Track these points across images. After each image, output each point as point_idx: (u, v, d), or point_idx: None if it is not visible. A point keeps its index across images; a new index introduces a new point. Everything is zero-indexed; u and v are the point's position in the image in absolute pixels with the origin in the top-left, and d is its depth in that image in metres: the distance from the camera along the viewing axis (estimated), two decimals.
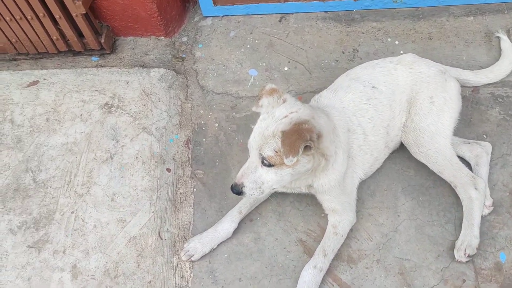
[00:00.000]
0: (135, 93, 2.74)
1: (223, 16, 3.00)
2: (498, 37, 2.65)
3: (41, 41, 2.81)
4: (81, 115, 2.70)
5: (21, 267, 2.30)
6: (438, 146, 2.21)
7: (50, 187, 2.51)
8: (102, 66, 2.89)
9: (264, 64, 2.80)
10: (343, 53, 2.78)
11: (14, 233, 2.40)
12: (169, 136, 2.61)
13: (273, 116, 1.89)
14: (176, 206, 2.41)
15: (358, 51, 2.77)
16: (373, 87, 2.25)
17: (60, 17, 2.63)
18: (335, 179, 2.08)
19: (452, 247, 2.16)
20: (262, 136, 1.88)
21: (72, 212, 2.42)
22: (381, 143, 2.26)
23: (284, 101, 1.95)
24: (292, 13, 2.95)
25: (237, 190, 1.93)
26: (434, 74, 2.28)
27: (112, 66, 2.87)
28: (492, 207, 2.21)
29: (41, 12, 2.61)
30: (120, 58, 2.93)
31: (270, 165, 1.88)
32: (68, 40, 2.82)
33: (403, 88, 2.27)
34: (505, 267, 2.10)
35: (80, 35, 2.81)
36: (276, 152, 1.84)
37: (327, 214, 2.23)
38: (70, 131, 2.66)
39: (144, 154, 2.55)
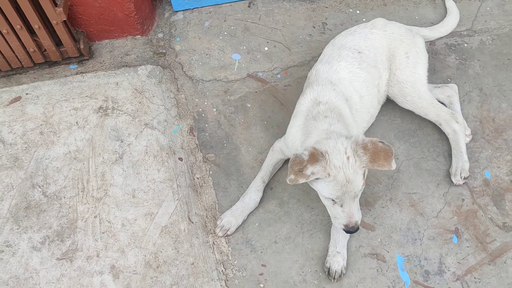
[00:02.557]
0: (127, 93, 2.76)
1: (194, 8, 3.10)
2: None
3: (16, 56, 2.71)
4: (76, 122, 2.67)
5: (56, 280, 2.26)
6: (419, 93, 2.53)
7: (64, 197, 2.46)
8: (84, 73, 2.86)
9: (245, 48, 2.96)
10: (314, 27, 3.02)
11: (38, 249, 2.34)
12: (172, 128, 2.68)
13: (345, 167, 1.95)
14: (197, 191, 2.50)
15: (327, 24, 3.03)
16: (359, 52, 2.50)
17: (39, 27, 2.57)
18: None
19: (447, 175, 2.50)
20: (350, 184, 1.96)
21: (95, 217, 2.41)
22: (375, 101, 2.52)
23: (329, 157, 1.96)
24: None
25: (356, 228, 2.06)
26: (404, 33, 2.60)
27: (95, 70, 2.85)
28: (471, 136, 2.59)
29: (18, 24, 2.53)
30: (100, 63, 2.91)
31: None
32: (45, 50, 2.75)
33: (382, 49, 2.55)
34: (491, 182, 2.48)
35: (57, 44, 2.75)
36: (364, 174, 2.00)
37: None
38: (69, 140, 2.61)
39: (153, 148, 2.59)
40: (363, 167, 1.94)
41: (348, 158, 1.94)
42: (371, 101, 2.48)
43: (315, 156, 1.95)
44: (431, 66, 2.79)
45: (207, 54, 2.94)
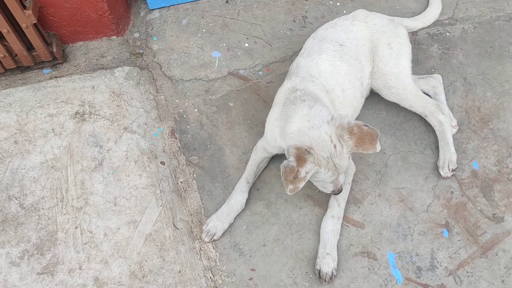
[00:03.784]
0: (104, 96, 2.61)
1: (170, 6, 2.95)
2: None
3: None
4: (52, 129, 2.51)
5: None
6: (404, 85, 2.44)
7: (42, 208, 2.31)
8: (58, 77, 2.69)
9: (224, 45, 2.82)
10: (294, 21, 2.90)
11: (17, 264, 2.19)
12: (152, 131, 2.54)
13: (333, 156, 1.96)
14: (181, 195, 2.38)
15: (307, 17, 2.91)
16: (340, 45, 2.39)
17: (8, 32, 2.39)
18: None
19: (435, 168, 2.42)
20: (339, 167, 2.00)
21: (76, 227, 2.27)
22: (358, 94, 2.42)
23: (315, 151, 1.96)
24: None
25: (340, 191, 2.14)
26: (386, 24, 2.50)
27: (70, 74, 2.69)
28: (457, 126, 2.51)
29: None
30: (75, 66, 2.75)
31: None
32: (16, 55, 2.58)
33: (364, 41, 2.44)
34: (479, 173, 2.41)
35: (29, 48, 2.58)
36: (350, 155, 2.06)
37: None
38: (45, 148, 2.46)
39: (133, 153, 2.46)
40: (349, 151, 1.95)
41: (335, 146, 1.94)
42: (354, 94, 2.38)
43: (302, 157, 1.92)
44: (414, 57, 2.70)
45: (186, 53, 2.80)
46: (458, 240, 2.23)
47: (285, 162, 1.94)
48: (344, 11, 2.90)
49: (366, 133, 1.94)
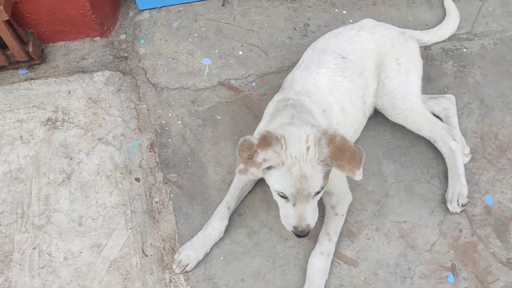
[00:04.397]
0: (80, 102, 2.36)
1: (161, 7, 2.70)
2: None
3: None
4: (21, 136, 2.27)
5: None
6: (412, 105, 2.15)
7: (0, 225, 2.07)
8: (34, 79, 2.46)
9: (216, 52, 2.56)
10: (295, 29, 2.62)
11: None
12: (129, 143, 2.28)
13: (302, 159, 1.62)
14: (154, 217, 2.11)
15: (309, 25, 2.63)
16: (343, 57, 2.11)
17: None
18: None
19: (442, 200, 2.11)
20: (305, 180, 1.62)
21: (34, 248, 2.02)
22: (359, 113, 2.14)
23: (286, 142, 1.63)
24: None
25: (306, 233, 1.74)
26: (396, 36, 2.22)
27: (46, 77, 2.45)
28: (470, 155, 2.20)
29: None
30: (53, 68, 2.51)
31: (319, 192, 1.70)
32: None
33: (370, 53, 2.16)
34: (493, 209, 2.09)
35: (2, 46, 2.35)
36: (325, 175, 1.67)
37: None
38: (11, 157, 2.22)
39: (106, 167, 2.20)
40: (321, 160, 1.60)
41: (308, 148, 1.61)
42: (355, 114, 2.10)
43: (267, 139, 1.60)
44: (426, 74, 2.40)
45: (174, 59, 2.54)
46: (465, 287, 1.92)
47: (247, 136, 1.63)
48: (351, 20, 2.61)
49: (348, 148, 1.59)
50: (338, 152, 1.59)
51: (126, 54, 2.56)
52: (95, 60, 2.53)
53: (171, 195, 2.17)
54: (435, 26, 2.55)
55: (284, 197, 1.70)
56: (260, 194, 2.16)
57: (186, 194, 2.17)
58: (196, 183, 2.19)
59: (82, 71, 2.47)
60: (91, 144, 2.25)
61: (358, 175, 1.59)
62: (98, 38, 2.58)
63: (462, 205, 2.05)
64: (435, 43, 2.51)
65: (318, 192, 1.69)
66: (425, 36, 2.46)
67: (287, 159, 1.60)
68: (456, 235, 2.04)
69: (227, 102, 2.40)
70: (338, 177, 2.01)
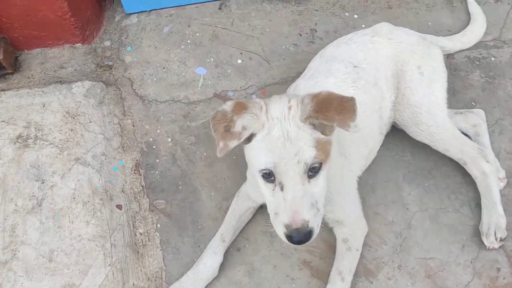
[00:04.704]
0: (56, 117, 2.11)
1: (151, 10, 2.47)
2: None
3: None
4: None
5: None
6: (437, 120, 1.90)
7: None
8: (5, 90, 2.21)
9: (212, 60, 2.31)
10: (301, 35, 2.38)
11: None
12: (111, 164, 2.03)
13: (284, 118, 1.38)
14: (138, 251, 1.84)
15: (316, 31, 2.39)
16: (355, 66, 1.88)
17: None
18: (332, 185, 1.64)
19: (475, 233, 1.85)
20: (290, 142, 1.35)
21: None
22: (375, 130, 1.90)
23: (266, 105, 1.41)
24: None
25: (304, 234, 1.35)
26: (416, 42, 1.98)
27: (18, 88, 2.21)
28: (506, 179, 1.94)
29: None
30: (28, 77, 2.26)
31: (316, 171, 1.40)
32: None
33: (386, 62, 1.94)
34: None
35: None
36: (318, 144, 1.37)
37: (331, 228, 1.79)
38: None
39: (83, 192, 1.94)
40: (306, 118, 1.36)
41: (290, 107, 1.38)
42: (370, 130, 1.88)
43: (242, 104, 1.39)
44: (450, 86, 2.14)
45: (164, 68, 2.30)
46: None
47: (220, 107, 1.42)
48: (363, 25, 2.38)
49: (334, 98, 1.37)
50: (323, 103, 1.35)
51: (110, 63, 2.32)
52: (75, 69, 2.28)
53: (158, 225, 1.90)
54: (457, 32, 2.32)
55: (269, 177, 1.38)
56: (261, 223, 1.90)
57: (175, 224, 1.91)
58: (187, 211, 1.93)
59: (60, 82, 2.23)
60: (66, 165, 2.00)
61: (354, 127, 1.33)
62: (79, 44, 2.34)
63: (501, 240, 1.79)
64: (459, 51, 2.27)
65: (313, 169, 1.38)
66: (449, 43, 2.21)
67: (268, 121, 1.37)
68: (494, 275, 1.77)
69: None
70: (349, 201, 1.76)
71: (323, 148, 1.39)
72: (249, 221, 1.88)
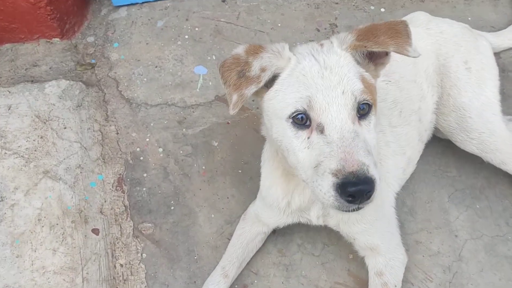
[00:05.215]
0: (24, 122, 1.81)
1: (143, 3, 2.20)
2: None
3: None
4: None
5: None
6: (491, 127, 1.61)
7: None
8: None
9: (214, 58, 2.03)
10: (318, 30, 2.10)
11: None
12: (88, 179, 1.71)
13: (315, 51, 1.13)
14: None
15: (336, 26, 2.11)
16: None
17: None
18: None
19: None
20: (330, 71, 1.08)
21: None
22: (414, 136, 1.60)
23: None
24: None
25: (365, 179, 0.98)
26: (460, 32, 1.71)
27: None
28: None
29: None
30: None
31: (366, 113, 1.10)
32: None
33: (425, 55, 1.64)
34: None
35: None
36: (363, 82, 1.11)
37: (362, 257, 1.46)
38: None
39: (50, 212, 1.62)
40: (347, 47, 1.14)
41: (321, 45, 1.17)
42: (408, 135, 1.60)
43: (257, 46, 1.15)
44: (499, 89, 1.84)
45: (157, 66, 2.01)
46: None
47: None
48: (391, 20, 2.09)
49: (381, 24, 1.15)
50: (368, 31, 1.13)
51: (93, 61, 2.03)
52: (50, 68, 1.99)
53: (144, 255, 1.57)
54: (502, 28, 2.07)
55: (303, 122, 1.07)
56: (273, 254, 1.57)
57: (165, 254, 1.58)
58: (181, 237, 1.61)
59: (31, 81, 1.93)
60: (32, 179, 1.68)
61: (413, 52, 1.10)
62: (57, 39, 2.06)
63: None
64: (506, 49, 1.98)
65: (362, 109, 1.08)
66: (495, 39, 1.95)
67: (293, 56, 1.14)
68: None
69: (228, 123, 1.85)
70: (385, 222, 1.45)
71: (369, 91, 1.11)
72: (258, 250, 1.56)
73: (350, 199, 0.99)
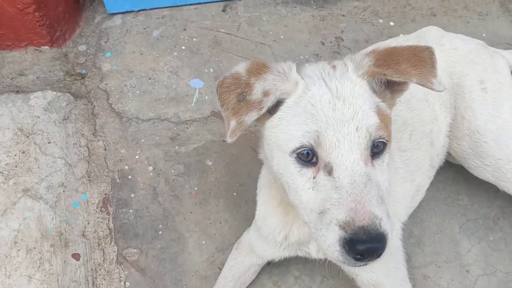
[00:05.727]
0: (5, 135, 1.74)
1: (139, 11, 2.14)
2: None
3: None
4: None
5: None
6: (509, 153, 1.53)
7: None
8: None
9: (211, 70, 1.96)
10: (323, 44, 2.04)
11: None
12: (71, 198, 1.64)
13: (327, 75, 1.04)
14: None
15: (342, 40, 2.05)
16: None
17: None
18: None
19: None
20: (342, 102, 0.99)
21: None
22: (425, 160, 1.52)
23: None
24: None
25: (376, 236, 0.90)
26: (475, 49, 1.63)
27: None
28: None
29: None
30: None
31: (380, 152, 1.02)
32: None
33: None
34: None
35: None
36: (379, 114, 1.02)
37: None
38: None
39: (28, 235, 1.55)
40: (363, 73, 1.05)
41: (334, 67, 1.08)
42: (418, 160, 1.52)
43: (260, 63, 1.05)
44: None
45: (150, 78, 1.95)
46: None
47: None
48: (401, 34, 2.02)
49: (401, 48, 1.07)
50: (388, 56, 1.05)
51: (84, 71, 1.97)
52: (37, 77, 1.93)
53: (127, 284, 1.51)
54: None
55: (308, 159, 0.99)
56: (268, 286, 1.48)
57: (150, 283, 1.51)
58: (168, 265, 1.54)
59: (16, 91, 1.86)
60: (11, 198, 1.61)
61: (438, 85, 1.02)
62: (46, 47, 2.01)
63: None
64: None
65: (376, 147, 0.99)
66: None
67: (302, 80, 1.04)
68: None
69: (224, 141, 1.79)
70: (391, 256, 1.36)
71: (385, 124, 1.02)
72: (251, 282, 1.46)
73: (359, 257, 0.91)
